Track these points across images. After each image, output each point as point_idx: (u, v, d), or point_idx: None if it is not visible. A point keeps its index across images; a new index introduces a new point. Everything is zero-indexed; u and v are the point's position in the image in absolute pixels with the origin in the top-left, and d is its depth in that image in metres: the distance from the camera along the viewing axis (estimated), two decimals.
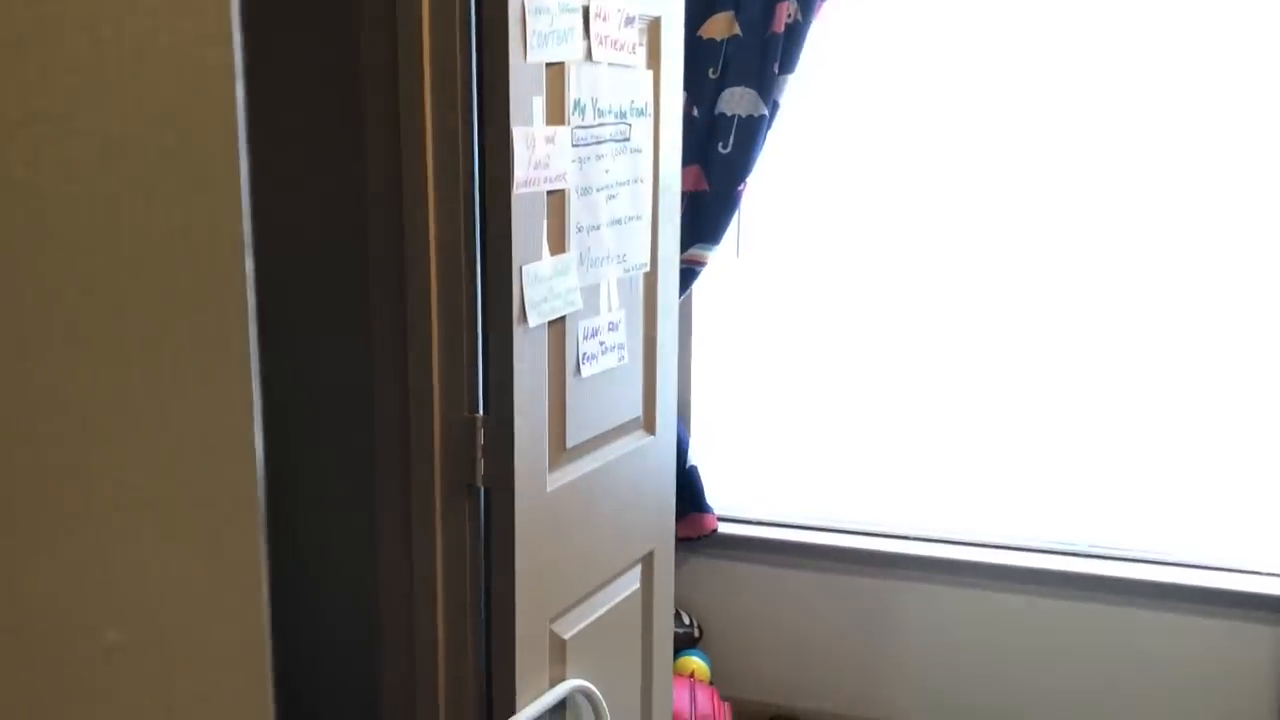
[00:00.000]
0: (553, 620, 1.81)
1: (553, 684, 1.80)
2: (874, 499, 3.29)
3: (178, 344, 0.56)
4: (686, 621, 3.30)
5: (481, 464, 1.71)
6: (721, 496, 3.36)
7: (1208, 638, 2.97)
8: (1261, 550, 2.98)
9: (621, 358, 1.93)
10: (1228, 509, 3.00)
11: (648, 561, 2.11)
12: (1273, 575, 2.95)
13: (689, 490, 3.21)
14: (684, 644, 3.23)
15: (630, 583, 2.06)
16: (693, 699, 2.89)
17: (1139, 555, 3.06)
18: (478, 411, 1.71)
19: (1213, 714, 2.97)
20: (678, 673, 3.08)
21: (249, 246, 0.59)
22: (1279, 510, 2.96)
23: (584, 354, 1.82)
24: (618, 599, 2.01)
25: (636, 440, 2.03)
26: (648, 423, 2.07)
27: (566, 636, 1.85)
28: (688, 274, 3.00)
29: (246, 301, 0.59)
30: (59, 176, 0.50)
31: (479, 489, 1.73)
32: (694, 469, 3.26)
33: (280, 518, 1.87)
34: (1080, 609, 3.06)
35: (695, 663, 3.15)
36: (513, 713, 1.70)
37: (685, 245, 2.94)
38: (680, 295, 2.99)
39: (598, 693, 1.85)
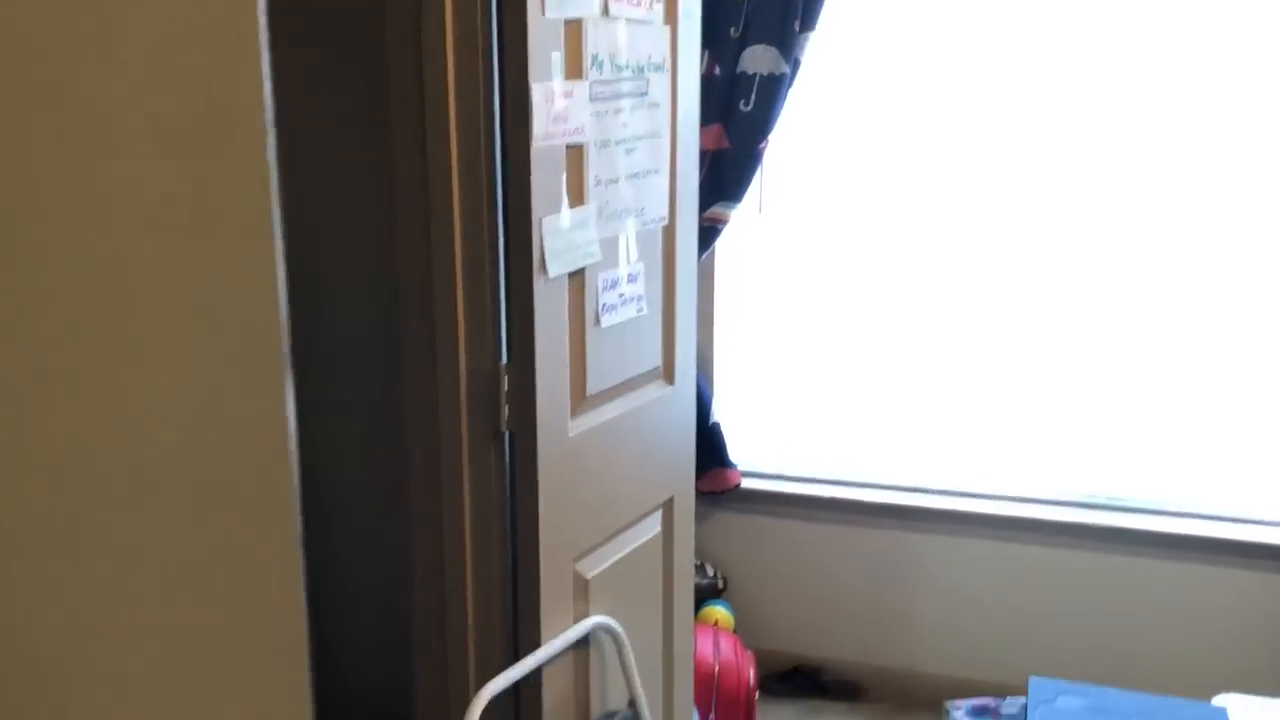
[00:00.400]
0: (576, 560, 1.88)
1: (576, 621, 1.87)
2: (894, 454, 3.34)
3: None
4: (710, 574, 3.37)
5: (506, 410, 1.78)
6: (744, 453, 3.42)
7: (1222, 587, 3.00)
8: (1274, 501, 3.00)
9: (640, 309, 1.99)
10: (1241, 460, 3.03)
11: (668, 507, 2.18)
12: None
13: (712, 446, 3.28)
14: (708, 595, 3.30)
15: (651, 527, 2.13)
16: (716, 647, 2.97)
17: (1153, 507, 3.10)
18: (501, 360, 1.78)
19: (1226, 662, 3.00)
20: (701, 622, 3.16)
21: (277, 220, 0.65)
22: None
23: (603, 305, 1.88)
24: (639, 542, 2.08)
25: (656, 390, 2.09)
26: (667, 373, 2.13)
27: (589, 576, 1.92)
28: (710, 232, 3.04)
29: (276, 263, 0.65)
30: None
31: (504, 434, 1.80)
32: (716, 425, 3.32)
33: (316, 465, 1.95)
34: (1094, 559, 3.10)
35: (719, 612, 3.23)
36: (538, 646, 1.78)
37: (707, 203, 2.98)
38: (702, 253, 3.04)
39: (620, 629, 1.93)
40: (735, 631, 3.26)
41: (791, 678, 3.41)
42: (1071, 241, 3.03)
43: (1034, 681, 1.94)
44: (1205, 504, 3.06)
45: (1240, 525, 3.00)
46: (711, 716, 2.85)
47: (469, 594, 1.81)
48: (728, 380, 3.43)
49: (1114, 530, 3.06)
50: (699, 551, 3.40)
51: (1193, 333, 3.00)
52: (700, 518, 3.33)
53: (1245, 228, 2.88)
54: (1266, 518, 3.00)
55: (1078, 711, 1.85)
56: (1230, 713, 1.88)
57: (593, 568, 1.94)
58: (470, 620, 1.83)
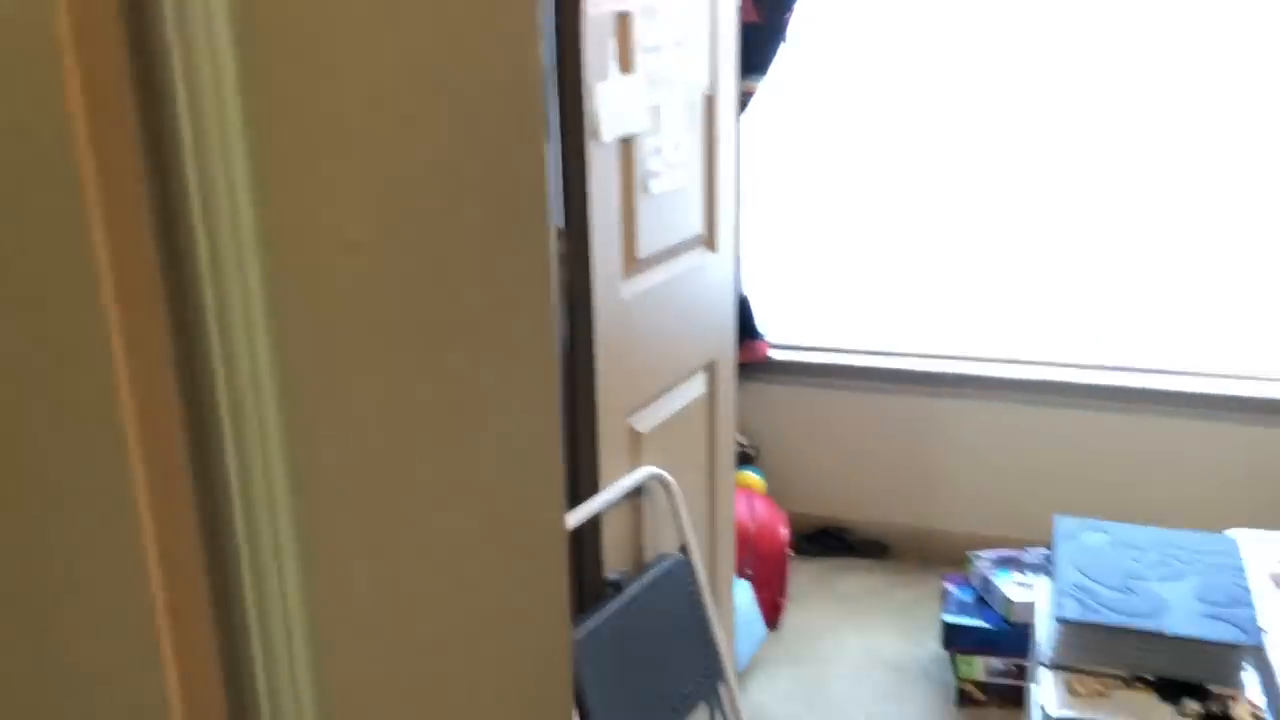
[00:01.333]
0: (629, 415, 2.00)
1: (631, 471, 2.00)
2: (917, 323, 3.44)
3: None
4: (743, 442, 3.51)
5: (562, 272, 1.87)
6: (773, 326, 3.52)
7: (1228, 440, 3.13)
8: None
9: (684, 176, 2.07)
10: (1245, 320, 3.12)
11: (711, 370, 2.29)
12: None
13: (741, 319, 3.38)
14: (740, 462, 3.44)
15: (697, 388, 2.24)
16: (751, 508, 3.12)
17: (1165, 368, 3.22)
18: (560, 225, 1.87)
19: (1235, 508, 3.15)
20: (736, 487, 3.30)
21: None
22: None
23: (650, 171, 1.96)
24: (686, 401, 2.20)
25: (700, 256, 2.18)
26: (709, 240, 2.21)
27: (642, 431, 2.04)
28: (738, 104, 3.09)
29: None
30: None
31: (559, 296, 1.90)
32: (745, 299, 3.41)
33: None
34: (1110, 419, 3.23)
35: (751, 478, 3.38)
36: (596, 492, 1.91)
37: None
38: None
39: (671, 479, 2.06)
40: (766, 496, 3.41)
41: (820, 538, 3.58)
42: (1090, 114, 3.07)
43: (1059, 519, 2.07)
44: (1216, 364, 3.17)
45: (1247, 382, 3.12)
46: (748, 572, 3.01)
47: None
48: (755, 254, 3.51)
49: (1128, 390, 3.18)
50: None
51: (1203, 204, 3.06)
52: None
53: (1243, 102, 2.92)
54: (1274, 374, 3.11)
55: (1101, 545, 1.99)
56: (1239, 543, 2.01)
57: (645, 423, 2.06)
58: None
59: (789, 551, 3.14)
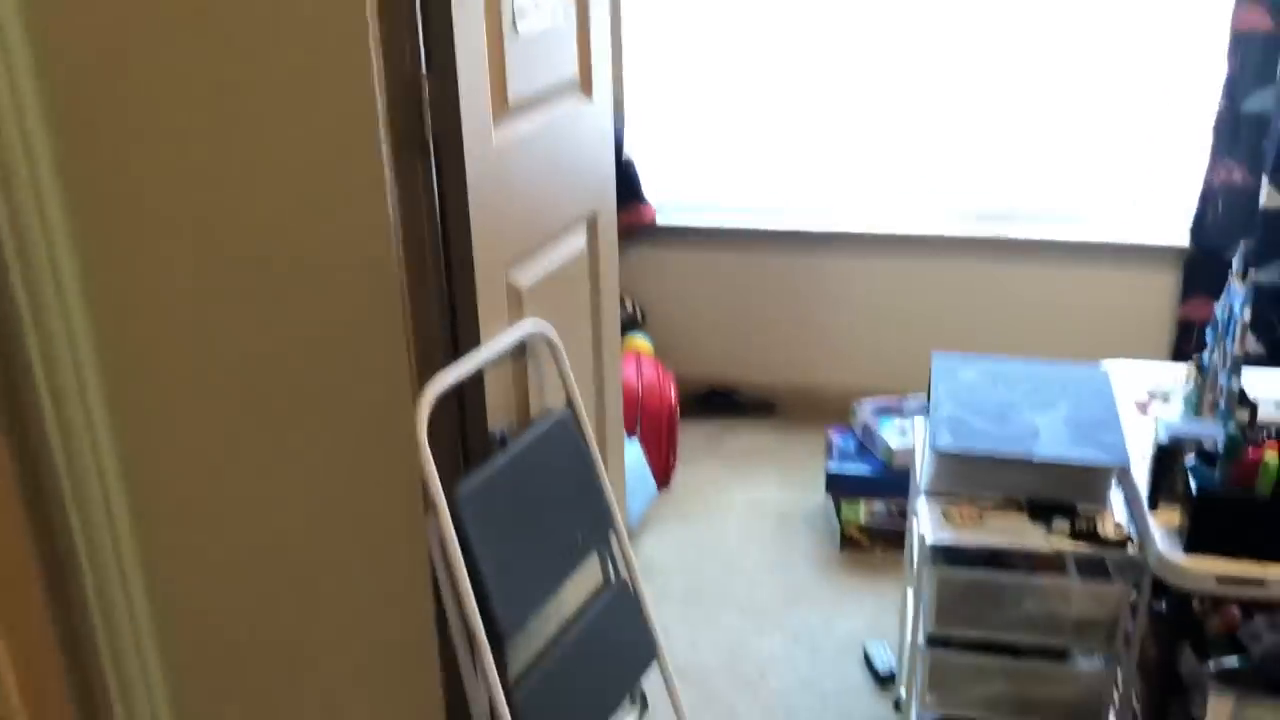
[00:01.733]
0: (509, 268, 1.95)
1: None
2: (799, 182, 3.43)
3: None
4: (629, 307, 3.49)
5: (429, 119, 1.78)
6: (658, 189, 3.47)
7: (1103, 285, 3.24)
8: (1150, 207, 3.21)
9: (555, 16, 1.97)
10: (1116, 168, 3.21)
11: (592, 223, 2.24)
12: (1161, 230, 3.20)
13: (627, 182, 3.32)
14: (627, 327, 3.43)
15: (577, 242, 2.19)
16: (639, 370, 3.12)
17: (1031, 218, 3.30)
18: (422, 70, 1.77)
19: (1105, 346, 3.28)
20: (624, 350, 3.29)
21: None
22: (1159, 165, 3.16)
23: (518, 9, 1.86)
24: (568, 256, 2.15)
25: (575, 103, 2.11)
26: (584, 85, 2.13)
27: (523, 287, 1.99)
28: None
29: None
30: None
31: (429, 144, 1.81)
32: (630, 162, 3.35)
33: None
34: (982, 269, 3.30)
35: (639, 341, 3.37)
36: (478, 346, 1.86)
37: None
38: None
39: (554, 333, 2.02)
40: (654, 359, 3.41)
41: (709, 400, 3.62)
42: None
43: (937, 356, 2.11)
44: (1081, 210, 3.26)
45: (1114, 227, 3.22)
46: (637, 432, 3.03)
47: (405, 307, 1.86)
48: (638, 116, 3.43)
49: (999, 241, 3.25)
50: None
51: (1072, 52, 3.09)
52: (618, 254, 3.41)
53: None
54: (1144, 224, 3.22)
55: (976, 379, 2.04)
56: (1110, 372, 2.08)
57: (526, 278, 2.00)
58: (410, 333, 1.90)
59: (677, 412, 3.17)
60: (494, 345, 1.88)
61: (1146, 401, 2.08)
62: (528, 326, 1.96)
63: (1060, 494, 1.82)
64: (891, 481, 2.83)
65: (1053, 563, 1.88)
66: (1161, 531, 1.70)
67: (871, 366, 3.49)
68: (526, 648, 1.96)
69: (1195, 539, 1.64)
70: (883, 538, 2.89)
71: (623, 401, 2.88)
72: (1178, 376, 2.17)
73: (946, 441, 1.82)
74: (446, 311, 1.88)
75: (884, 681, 2.42)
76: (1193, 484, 1.63)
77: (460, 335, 1.89)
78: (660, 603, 2.68)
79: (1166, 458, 1.73)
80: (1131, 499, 1.82)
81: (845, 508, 2.89)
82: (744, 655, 2.53)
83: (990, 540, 1.77)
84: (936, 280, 3.35)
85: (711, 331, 3.58)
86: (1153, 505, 1.76)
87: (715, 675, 2.46)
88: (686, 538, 2.98)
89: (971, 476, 1.85)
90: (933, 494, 1.87)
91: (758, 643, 2.57)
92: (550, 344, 2.04)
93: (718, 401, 3.61)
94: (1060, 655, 1.90)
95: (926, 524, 1.80)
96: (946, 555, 1.85)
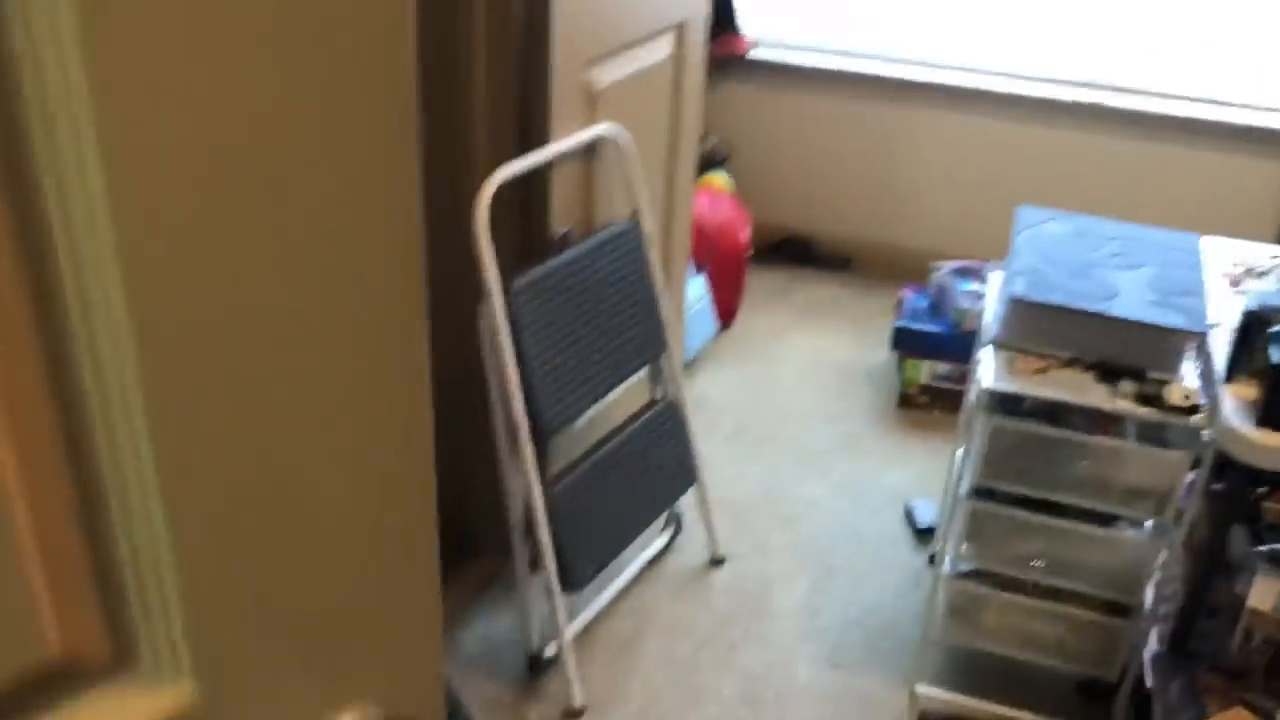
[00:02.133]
0: (587, 67, 1.88)
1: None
2: (900, 28, 3.26)
3: None
4: (714, 143, 3.39)
5: None
6: (754, 21, 3.33)
7: (1206, 165, 3.06)
8: (1263, 90, 2.99)
9: None
10: (1234, 45, 2.98)
11: (680, 31, 2.15)
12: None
13: (722, 9, 3.18)
14: (710, 164, 3.34)
15: (663, 48, 2.11)
16: (715, 206, 3.05)
17: (1139, 88, 3.10)
18: None
19: (1204, 224, 3.11)
20: (703, 186, 3.21)
21: None
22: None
23: None
24: (651, 61, 2.07)
25: None
26: None
27: (599, 88, 1.93)
28: None
29: None
30: None
31: None
32: None
33: None
34: (1081, 138, 3.13)
35: (719, 179, 3.29)
36: (547, 143, 1.82)
37: None
38: None
39: (627, 137, 1.96)
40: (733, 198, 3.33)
41: (785, 248, 3.54)
42: None
43: (1023, 210, 2.01)
44: (1190, 87, 3.06)
45: (1223, 108, 3.02)
46: (706, 267, 2.98)
47: (481, 89, 1.81)
48: None
49: (1102, 109, 3.07)
50: (703, 121, 3.40)
51: None
52: (707, 88, 3.30)
53: None
54: (1251, 101, 3.01)
55: (1062, 234, 1.94)
56: (1202, 246, 1.97)
57: (603, 79, 1.94)
58: (481, 124, 1.86)
59: (748, 254, 3.10)
60: (563, 143, 1.83)
61: (1240, 276, 1.97)
62: (599, 128, 1.91)
63: (1132, 358, 1.75)
64: (959, 343, 2.75)
65: (1112, 425, 1.82)
66: (1234, 404, 1.62)
67: (954, 229, 3.37)
68: (569, 451, 1.97)
69: (1270, 413, 1.56)
70: (943, 399, 2.83)
71: (695, 236, 2.83)
72: (1278, 257, 2.05)
73: (1021, 289, 1.75)
74: (517, 106, 1.83)
75: (922, 535, 2.41)
76: (1275, 355, 1.54)
77: (531, 131, 1.84)
78: (707, 436, 2.68)
79: (1253, 326, 1.64)
80: (1205, 370, 1.74)
81: (909, 366, 2.84)
82: (785, 496, 2.53)
83: (1051, 393, 1.71)
84: (1031, 145, 3.19)
85: (794, 177, 3.48)
86: (1229, 377, 1.67)
87: (753, 510, 2.47)
88: (743, 378, 2.96)
89: (1042, 330, 1.77)
90: (1000, 345, 1.81)
91: (801, 486, 2.56)
92: (621, 150, 1.98)
93: (793, 250, 3.53)
94: (1105, 520, 1.86)
95: (988, 371, 1.74)
96: (1004, 404, 1.80)
